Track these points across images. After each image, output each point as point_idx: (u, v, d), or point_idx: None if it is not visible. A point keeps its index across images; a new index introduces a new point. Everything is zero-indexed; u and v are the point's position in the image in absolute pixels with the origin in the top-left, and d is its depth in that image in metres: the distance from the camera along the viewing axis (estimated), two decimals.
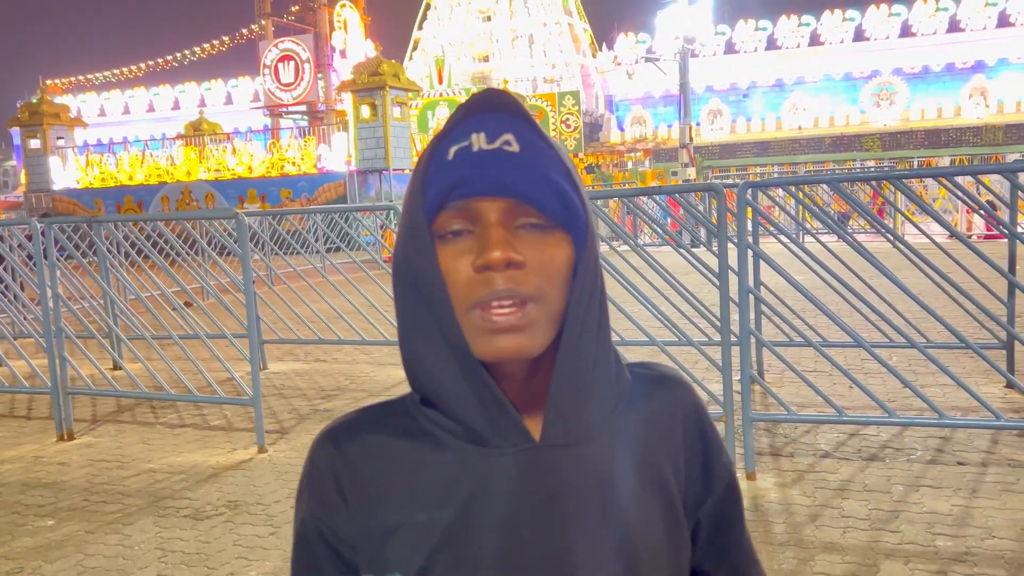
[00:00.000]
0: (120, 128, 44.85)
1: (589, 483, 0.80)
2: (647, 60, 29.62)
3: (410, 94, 24.29)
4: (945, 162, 28.63)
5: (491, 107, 0.81)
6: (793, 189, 5.43)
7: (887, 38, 32.12)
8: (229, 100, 43.31)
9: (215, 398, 5.72)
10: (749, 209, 4.56)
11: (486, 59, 39.71)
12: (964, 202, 7.09)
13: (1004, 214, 7.78)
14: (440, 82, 37.05)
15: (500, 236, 0.75)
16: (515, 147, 0.77)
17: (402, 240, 0.80)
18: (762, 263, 6.14)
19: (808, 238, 9.75)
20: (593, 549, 0.78)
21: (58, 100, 31.84)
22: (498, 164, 0.76)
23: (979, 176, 6.03)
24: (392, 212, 10.72)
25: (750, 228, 5.47)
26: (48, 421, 6.41)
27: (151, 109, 44.92)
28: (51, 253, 6.03)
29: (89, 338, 7.52)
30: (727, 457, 0.92)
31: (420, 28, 41.11)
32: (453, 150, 0.77)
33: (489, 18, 39.72)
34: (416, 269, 0.78)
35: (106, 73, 45.38)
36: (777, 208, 8.75)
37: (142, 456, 5.49)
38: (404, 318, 0.82)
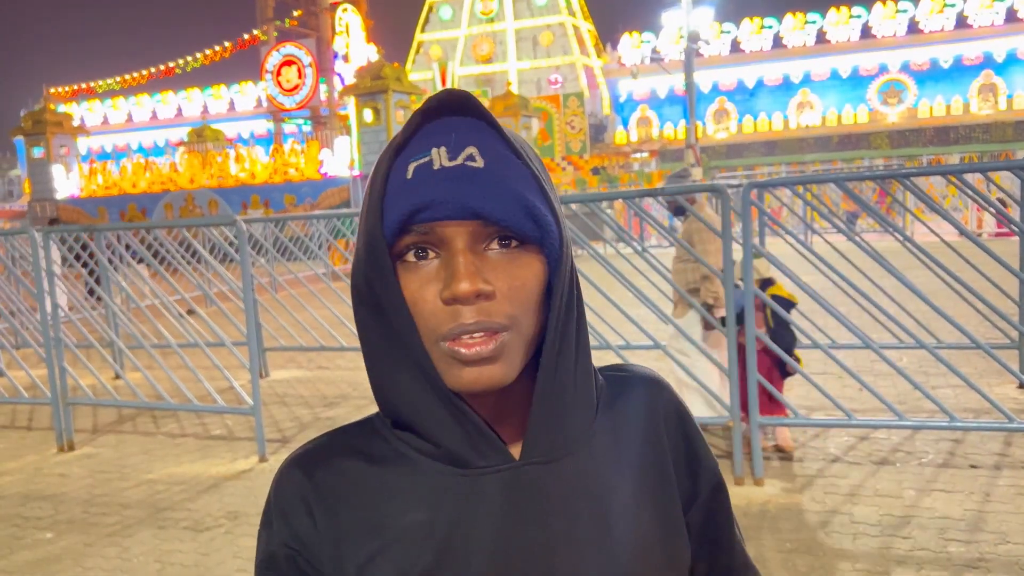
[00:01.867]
0: (123, 136, 44.98)
1: (575, 497, 0.77)
2: (652, 60, 29.53)
3: (413, 97, 24.25)
4: (955, 159, 28.44)
5: (451, 111, 0.74)
6: (800, 189, 5.34)
7: (894, 35, 31.96)
8: (232, 106, 43.35)
9: (216, 407, 5.67)
10: (755, 210, 4.48)
11: (489, 61, 39.68)
12: (974, 200, 7.00)
13: (1015, 211, 7.68)
14: (443, 85, 37.02)
15: (468, 265, 0.69)
16: (479, 162, 0.71)
17: (361, 261, 0.74)
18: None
19: (815, 238, 9.66)
20: (584, 565, 0.75)
21: (61, 108, 31.92)
22: (462, 183, 0.69)
23: (989, 173, 5.93)
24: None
25: (756, 228, 5.39)
26: (49, 432, 6.37)
27: (154, 117, 45.00)
28: (51, 263, 5.99)
29: (89, 348, 7.48)
30: (712, 459, 0.89)
31: (422, 31, 41.10)
32: (412, 167, 0.71)
33: (492, 20, 39.69)
34: (378, 294, 0.73)
35: (109, 80, 45.50)
36: (785, 210, 8.66)
37: (143, 466, 5.43)
38: (369, 342, 0.77)
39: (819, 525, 3.93)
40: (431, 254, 0.71)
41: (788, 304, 4.80)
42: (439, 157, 0.71)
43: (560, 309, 0.74)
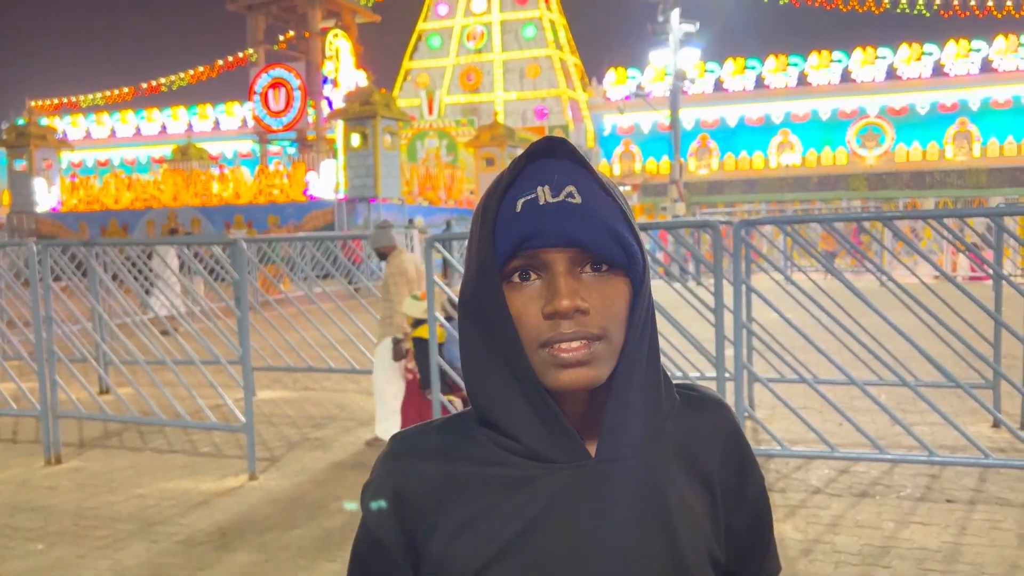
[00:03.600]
0: (106, 152, 44.75)
1: (640, 490, 0.88)
2: (636, 96, 29.99)
3: (400, 123, 24.43)
4: (930, 203, 29.07)
5: (552, 155, 0.88)
6: (790, 229, 5.52)
7: (873, 80, 32.70)
8: (217, 126, 43.34)
9: (206, 424, 5.70)
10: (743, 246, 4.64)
11: (476, 91, 40.06)
12: (951, 244, 7.22)
13: (988, 255, 7.92)
14: (430, 112, 37.33)
15: (567, 285, 0.82)
16: (577, 199, 0.84)
17: (472, 280, 0.87)
18: (753, 299, 6.22)
19: (797, 276, 9.87)
20: (645, 550, 0.86)
21: (44, 122, 31.77)
22: (563, 217, 0.83)
23: (964, 219, 6.15)
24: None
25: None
26: (35, 444, 6.35)
27: (138, 133, 44.84)
28: (46, 276, 6.02)
29: (80, 361, 7.47)
30: (760, 475, 1.01)
31: (410, 59, 41.46)
32: (521, 203, 0.84)
33: (480, 50, 40.15)
34: (486, 309, 0.85)
35: (93, 95, 45.38)
36: (767, 245, 8.89)
37: (131, 481, 5.44)
38: (470, 348, 0.89)
39: (802, 554, 4.04)
40: (533, 276, 0.84)
41: (424, 345, 5.27)
42: (544, 194, 0.84)
43: (638, 325, 0.86)
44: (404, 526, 0.89)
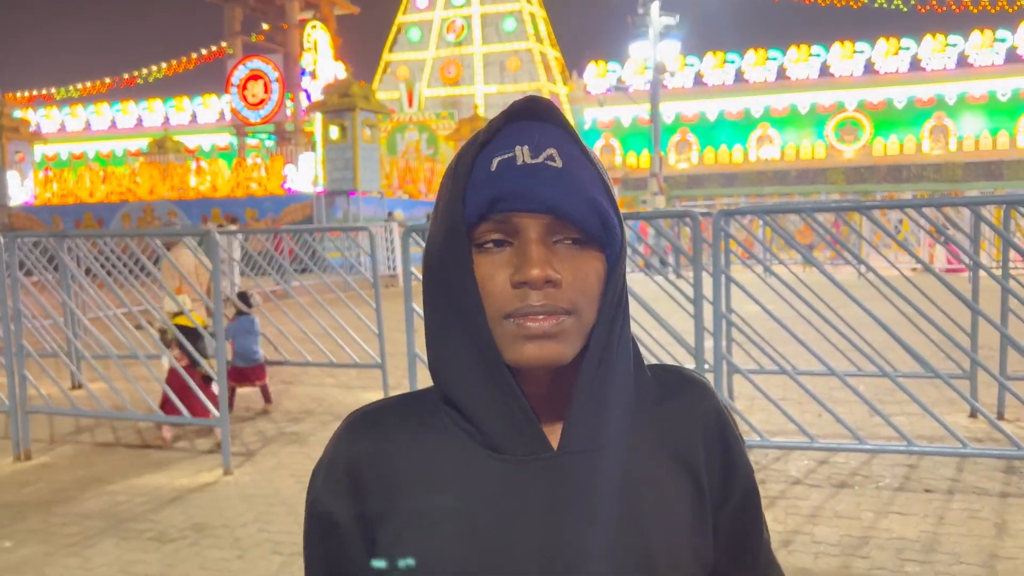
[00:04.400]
0: (81, 145, 44.20)
1: (607, 487, 0.81)
2: (616, 90, 30.00)
3: (380, 116, 24.28)
4: (907, 196, 29.29)
5: (534, 116, 0.81)
6: (769, 219, 5.51)
7: (851, 75, 32.91)
8: (194, 118, 42.91)
9: (181, 419, 5.60)
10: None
11: (456, 84, 39.91)
12: (929, 234, 7.24)
13: (962, 241, 7.96)
14: (410, 105, 37.16)
15: (539, 254, 0.75)
16: (558, 163, 0.77)
17: (438, 244, 0.80)
18: (732, 290, 6.21)
19: (777, 267, 9.90)
20: (609, 552, 0.79)
21: (18, 114, 31.29)
22: (540, 180, 0.76)
23: (942, 210, 6.17)
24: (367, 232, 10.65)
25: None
26: (3, 441, 6.22)
27: (113, 126, 44.32)
28: (14, 269, 5.89)
29: (51, 356, 7.34)
30: (748, 464, 0.93)
31: (390, 51, 41.23)
32: (496, 161, 0.78)
33: (460, 43, 40.00)
34: (451, 274, 0.78)
35: (68, 88, 44.76)
36: (747, 238, 8.89)
37: (103, 477, 5.34)
38: (433, 320, 0.83)
39: (781, 544, 4.02)
40: (505, 244, 0.77)
41: (193, 332, 5.81)
42: (522, 154, 0.77)
43: (611, 304, 0.80)
44: (358, 507, 0.82)
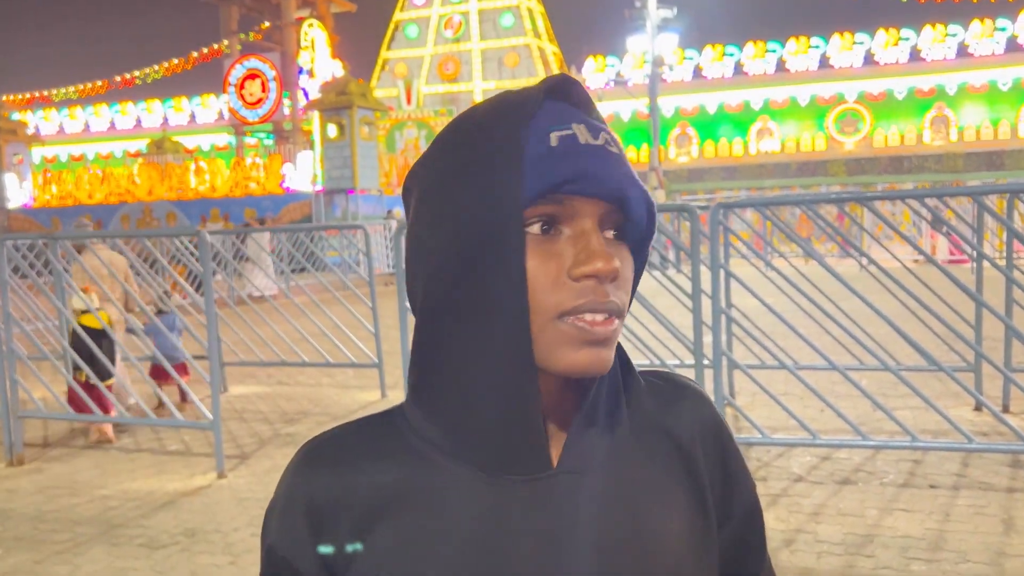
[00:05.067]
0: (80, 146, 44.13)
1: (608, 508, 0.73)
2: (615, 84, 29.90)
3: (378, 114, 24.18)
4: (908, 188, 29.15)
5: (573, 97, 0.72)
6: (769, 212, 5.43)
7: (851, 66, 32.77)
8: (193, 119, 42.81)
9: (173, 422, 5.53)
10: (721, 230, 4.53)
11: (454, 80, 39.81)
12: (931, 224, 7.17)
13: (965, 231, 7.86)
14: (408, 102, 37.06)
15: (603, 244, 0.66)
16: (616, 148, 0.69)
17: (474, 227, 0.67)
18: (732, 285, 6.12)
19: (777, 261, 9.80)
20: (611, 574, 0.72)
21: (15, 116, 31.22)
22: (610, 164, 0.67)
23: (944, 200, 6.08)
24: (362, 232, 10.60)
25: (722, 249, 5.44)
26: None
27: (112, 127, 44.21)
28: (4, 272, 5.81)
29: (42, 359, 7.27)
30: (749, 479, 0.84)
31: (388, 48, 41.12)
32: (555, 136, 0.67)
33: (458, 40, 39.89)
34: (488, 265, 0.67)
35: (66, 89, 44.67)
36: (746, 231, 8.80)
37: (95, 482, 5.27)
38: (441, 319, 0.71)
39: (784, 544, 3.94)
40: (554, 229, 0.68)
41: (96, 333, 5.82)
42: (582, 133, 0.68)
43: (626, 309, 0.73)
44: (320, 549, 0.72)
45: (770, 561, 0.89)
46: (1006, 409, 5.93)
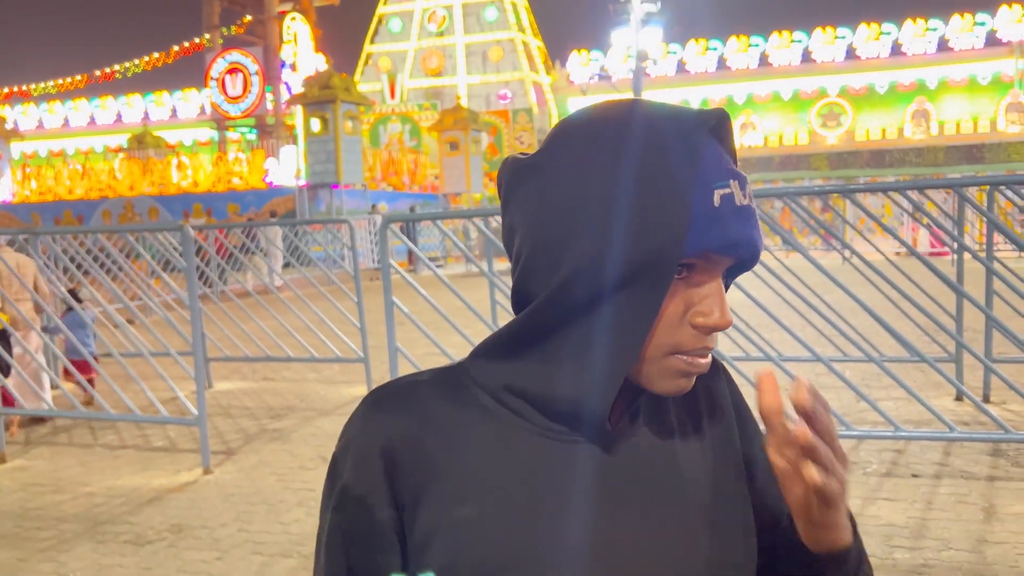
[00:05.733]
0: (60, 141, 43.69)
1: (652, 463, 0.79)
2: (600, 78, 29.91)
3: (361, 108, 24.08)
4: (890, 181, 29.39)
5: (719, 137, 0.75)
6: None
7: (833, 60, 32.95)
8: (174, 113, 42.48)
9: (158, 418, 5.50)
10: None
11: (438, 74, 39.70)
12: (912, 217, 7.23)
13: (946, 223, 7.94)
14: (392, 97, 36.94)
15: (724, 297, 0.74)
16: (753, 202, 0.74)
17: (628, 258, 0.70)
18: None
19: (763, 253, 9.87)
20: (667, 532, 0.77)
21: None
22: (754, 227, 0.73)
23: (925, 193, 6.13)
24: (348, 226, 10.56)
25: None
26: None
27: (92, 122, 43.81)
28: None
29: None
30: (760, 431, 0.93)
31: (371, 42, 40.94)
32: (719, 196, 0.71)
33: (442, 33, 39.76)
34: (635, 293, 0.71)
35: (45, 83, 44.17)
36: None
37: (79, 479, 5.24)
38: (561, 312, 0.74)
39: None
40: (687, 272, 0.73)
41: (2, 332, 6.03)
42: (737, 191, 0.72)
43: None
44: (393, 490, 0.75)
45: None
46: (987, 399, 6.00)
